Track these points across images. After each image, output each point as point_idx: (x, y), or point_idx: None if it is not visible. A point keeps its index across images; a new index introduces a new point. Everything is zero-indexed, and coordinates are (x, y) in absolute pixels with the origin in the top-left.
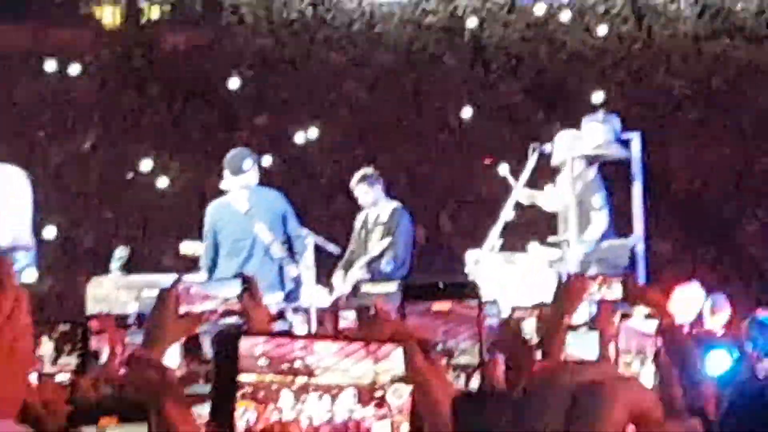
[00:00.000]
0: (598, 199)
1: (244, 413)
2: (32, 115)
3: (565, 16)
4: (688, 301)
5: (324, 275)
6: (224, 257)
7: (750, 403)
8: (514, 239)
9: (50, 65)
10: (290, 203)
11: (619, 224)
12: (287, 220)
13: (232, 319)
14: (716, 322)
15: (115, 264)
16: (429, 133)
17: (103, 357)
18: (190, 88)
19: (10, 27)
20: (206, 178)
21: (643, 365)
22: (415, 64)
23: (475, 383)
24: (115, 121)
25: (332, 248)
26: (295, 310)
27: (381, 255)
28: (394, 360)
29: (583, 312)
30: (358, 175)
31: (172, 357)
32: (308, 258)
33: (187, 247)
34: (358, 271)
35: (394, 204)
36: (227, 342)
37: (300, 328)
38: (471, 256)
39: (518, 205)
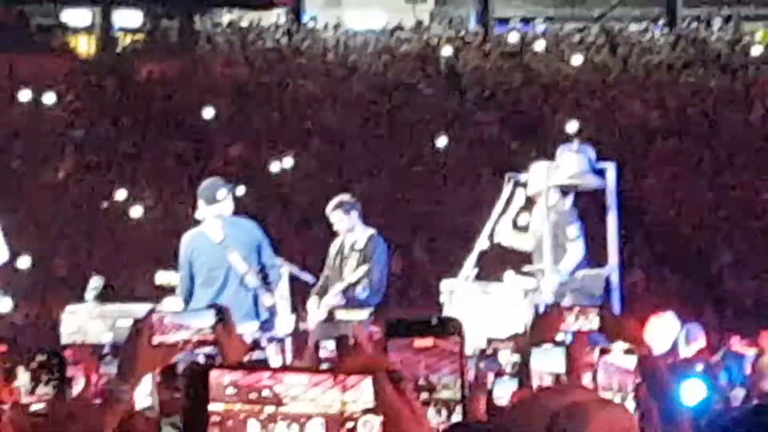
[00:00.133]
0: (573, 229)
1: None
2: (6, 145)
3: (540, 45)
4: (663, 330)
5: (299, 304)
6: (199, 287)
7: None
8: (490, 269)
9: (25, 94)
10: (265, 233)
11: (594, 254)
12: (262, 250)
13: (207, 349)
14: (691, 351)
15: (89, 293)
16: (404, 162)
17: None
18: (165, 117)
19: None
20: (180, 207)
21: (623, 402)
22: (390, 93)
23: (456, 418)
24: (89, 151)
25: (307, 277)
26: (270, 339)
27: (357, 282)
28: (363, 390)
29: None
30: (334, 201)
31: (146, 387)
32: (283, 287)
33: (163, 278)
34: (333, 298)
35: (370, 231)
36: (197, 374)
37: (275, 358)
38: (446, 285)
39: (494, 235)
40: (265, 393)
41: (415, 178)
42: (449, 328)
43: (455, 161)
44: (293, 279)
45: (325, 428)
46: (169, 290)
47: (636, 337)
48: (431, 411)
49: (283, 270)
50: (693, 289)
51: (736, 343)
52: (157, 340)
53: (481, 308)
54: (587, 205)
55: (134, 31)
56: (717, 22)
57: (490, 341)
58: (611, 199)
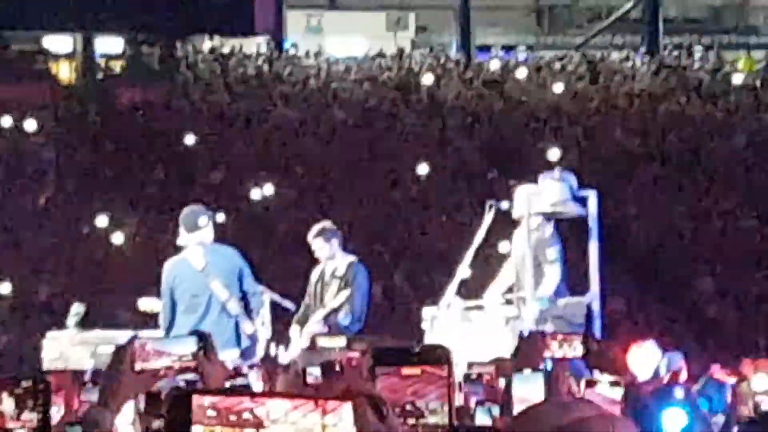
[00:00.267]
0: (552, 252)
1: None
2: None
3: (521, 73)
4: (644, 359)
5: (280, 331)
6: (181, 314)
7: None
8: (471, 296)
9: (6, 121)
10: (246, 260)
11: (575, 281)
12: (243, 277)
13: (188, 376)
14: (672, 379)
15: (71, 320)
16: (385, 189)
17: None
18: (146, 143)
19: None
20: (162, 234)
21: None
22: (371, 121)
23: None
24: (70, 177)
25: (288, 305)
26: (251, 366)
27: (338, 308)
28: (343, 415)
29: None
30: (315, 228)
31: (128, 414)
32: (264, 314)
33: (146, 304)
34: (314, 325)
35: (351, 258)
36: (180, 399)
37: (257, 385)
38: (427, 312)
39: (475, 262)
40: (246, 416)
41: (396, 206)
42: (437, 356)
43: (436, 189)
44: (274, 306)
45: None
46: (152, 317)
47: (619, 365)
48: None
49: (264, 297)
50: (674, 317)
51: (717, 371)
52: (139, 366)
53: (463, 335)
54: (568, 233)
55: (116, 58)
56: (698, 51)
57: (471, 365)
58: (592, 227)
